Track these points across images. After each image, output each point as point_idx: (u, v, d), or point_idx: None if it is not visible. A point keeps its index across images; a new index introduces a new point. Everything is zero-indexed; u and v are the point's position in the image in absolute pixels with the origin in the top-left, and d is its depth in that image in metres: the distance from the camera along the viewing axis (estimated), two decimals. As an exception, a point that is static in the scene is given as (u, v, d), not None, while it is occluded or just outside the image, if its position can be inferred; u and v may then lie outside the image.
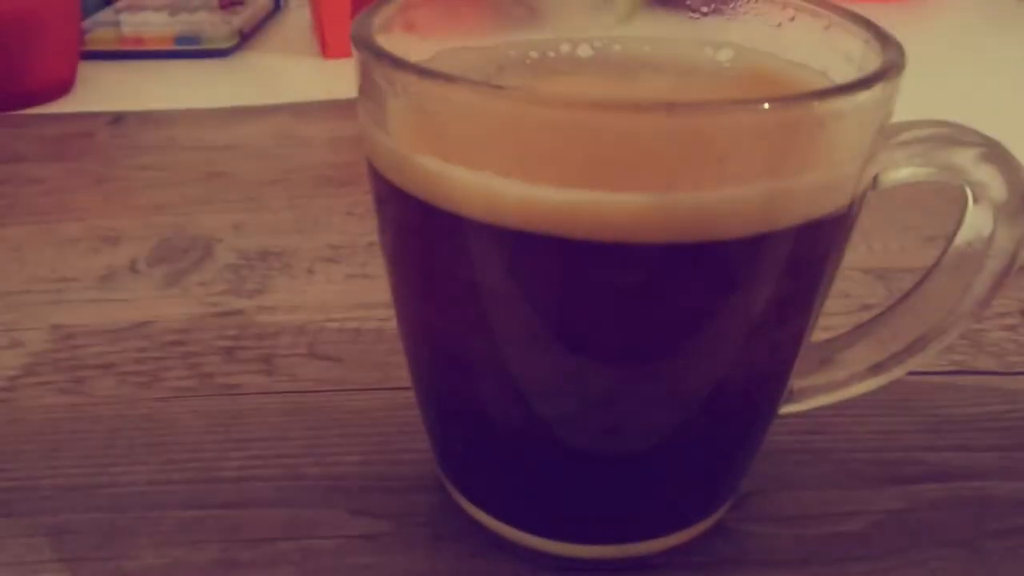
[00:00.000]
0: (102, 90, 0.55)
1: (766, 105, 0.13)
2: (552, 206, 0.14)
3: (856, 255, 0.35)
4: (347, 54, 0.17)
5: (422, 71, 0.15)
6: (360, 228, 0.37)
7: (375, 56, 0.16)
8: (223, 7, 0.66)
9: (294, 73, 0.59)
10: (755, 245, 0.15)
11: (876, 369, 0.21)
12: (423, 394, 0.21)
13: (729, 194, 0.14)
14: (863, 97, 0.14)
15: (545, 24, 0.21)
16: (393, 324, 0.29)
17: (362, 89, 0.17)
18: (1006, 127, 0.22)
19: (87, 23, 0.61)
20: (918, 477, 0.24)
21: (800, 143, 0.14)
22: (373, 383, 0.27)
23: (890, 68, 0.15)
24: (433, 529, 0.22)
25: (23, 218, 0.38)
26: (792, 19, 0.20)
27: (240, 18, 0.64)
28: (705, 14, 0.21)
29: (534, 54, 0.21)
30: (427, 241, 0.17)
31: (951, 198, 0.38)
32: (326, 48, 0.61)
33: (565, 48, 0.21)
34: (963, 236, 0.20)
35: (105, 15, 0.64)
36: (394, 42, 0.17)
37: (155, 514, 0.22)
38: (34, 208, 0.39)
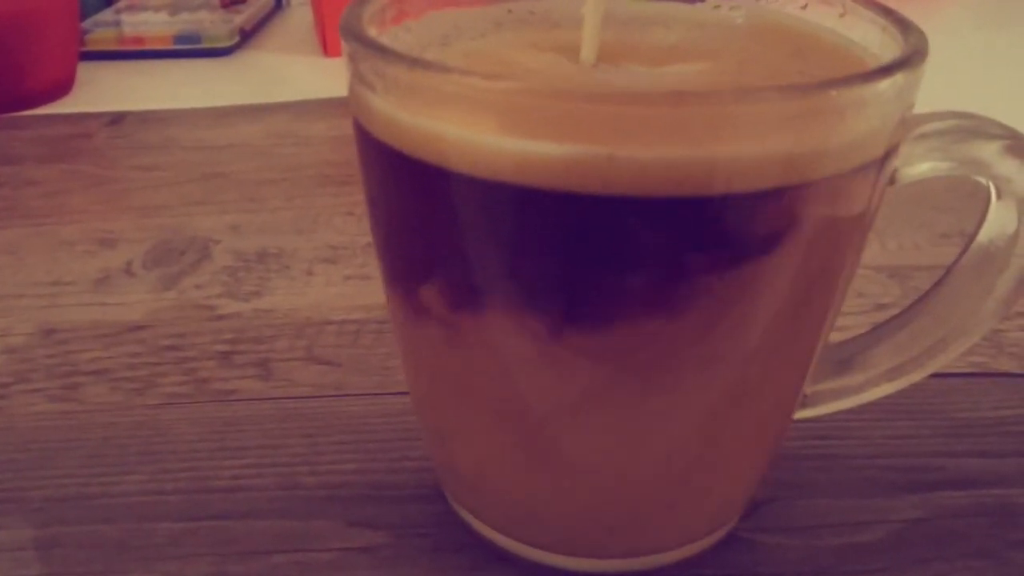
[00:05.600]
0: (102, 90, 0.54)
1: (781, 95, 0.13)
2: (551, 161, 0.13)
3: (869, 253, 0.33)
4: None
5: (412, 61, 0.14)
6: (360, 228, 0.36)
7: (363, 47, 0.15)
8: (224, 6, 0.66)
9: (295, 72, 0.58)
10: (768, 239, 0.14)
11: (894, 372, 0.20)
12: (420, 398, 0.21)
13: (739, 184, 0.13)
14: (885, 85, 0.14)
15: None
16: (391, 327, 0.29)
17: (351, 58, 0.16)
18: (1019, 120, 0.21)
19: (87, 23, 0.61)
20: (937, 484, 0.23)
21: (817, 134, 0.14)
22: (372, 388, 0.27)
23: (914, 54, 0.14)
24: (433, 541, 0.21)
25: (19, 220, 0.38)
26: (804, 7, 0.19)
27: (241, 17, 0.63)
28: (715, 6, 0.20)
29: (534, 12, 0.20)
30: (419, 202, 0.16)
31: (964, 193, 0.37)
32: (327, 46, 0.60)
33: (567, 6, 0.20)
34: (985, 233, 0.19)
35: (105, 15, 0.64)
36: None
37: (147, 526, 0.22)
38: (31, 210, 0.39)
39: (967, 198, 0.37)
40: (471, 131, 0.14)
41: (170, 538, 0.21)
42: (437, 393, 0.20)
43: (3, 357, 0.28)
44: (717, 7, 0.20)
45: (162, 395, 0.26)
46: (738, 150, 0.13)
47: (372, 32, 0.17)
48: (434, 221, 0.16)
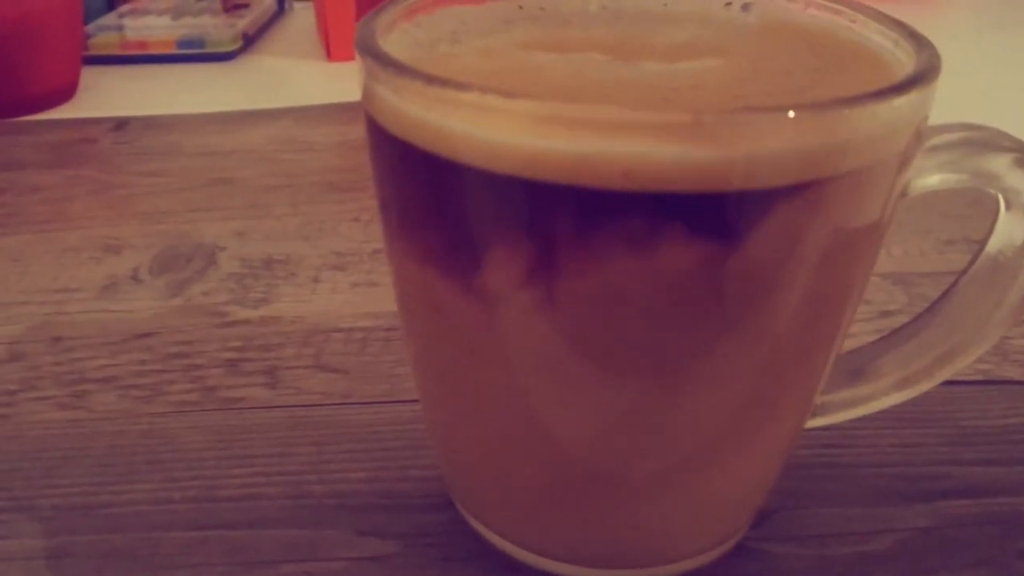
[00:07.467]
0: (105, 95, 0.54)
1: (796, 113, 0.13)
2: (567, 159, 0.14)
3: (874, 260, 0.34)
4: (352, 56, 0.16)
5: (428, 79, 0.14)
6: (366, 235, 0.36)
7: (380, 66, 0.15)
8: (227, 10, 0.66)
9: (298, 76, 0.58)
10: (782, 242, 0.14)
11: (903, 383, 0.20)
12: (429, 403, 0.21)
13: (755, 192, 0.13)
14: (899, 102, 0.14)
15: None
16: (400, 334, 0.29)
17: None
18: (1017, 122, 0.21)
19: (90, 27, 0.61)
20: (944, 493, 0.23)
21: (831, 150, 0.14)
22: (380, 396, 0.27)
23: (927, 71, 0.14)
24: (442, 550, 0.21)
25: (24, 227, 0.38)
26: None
27: (244, 21, 0.63)
28: (727, 3, 0.20)
29: (544, 9, 0.20)
30: (432, 197, 0.16)
31: (970, 200, 0.37)
32: (331, 50, 0.60)
33: (577, 3, 0.20)
34: (994, 244, 0.19)
35: (108, 19, 0.64)
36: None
37: (156, 535, 0.22)
38: (35, 217, 0.39)
39: (973, 205, 0.37)
40: (487, 132, 0.14)
41: (179, 548, 0.21)
42: (447, 398, 0.20)
43: (10, 365, 0.28)
44: (728, 4, 0.20)
45: (170, 403, 0.26)
46: (752, 154, 0.14)
47: (382, 40, 0.17)
48: (448, 216, 0.16)
